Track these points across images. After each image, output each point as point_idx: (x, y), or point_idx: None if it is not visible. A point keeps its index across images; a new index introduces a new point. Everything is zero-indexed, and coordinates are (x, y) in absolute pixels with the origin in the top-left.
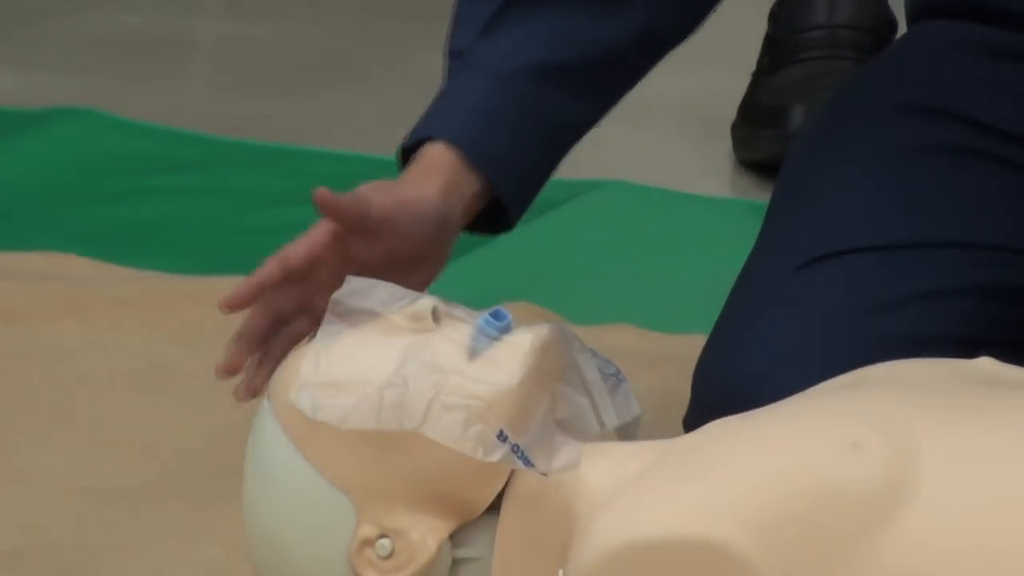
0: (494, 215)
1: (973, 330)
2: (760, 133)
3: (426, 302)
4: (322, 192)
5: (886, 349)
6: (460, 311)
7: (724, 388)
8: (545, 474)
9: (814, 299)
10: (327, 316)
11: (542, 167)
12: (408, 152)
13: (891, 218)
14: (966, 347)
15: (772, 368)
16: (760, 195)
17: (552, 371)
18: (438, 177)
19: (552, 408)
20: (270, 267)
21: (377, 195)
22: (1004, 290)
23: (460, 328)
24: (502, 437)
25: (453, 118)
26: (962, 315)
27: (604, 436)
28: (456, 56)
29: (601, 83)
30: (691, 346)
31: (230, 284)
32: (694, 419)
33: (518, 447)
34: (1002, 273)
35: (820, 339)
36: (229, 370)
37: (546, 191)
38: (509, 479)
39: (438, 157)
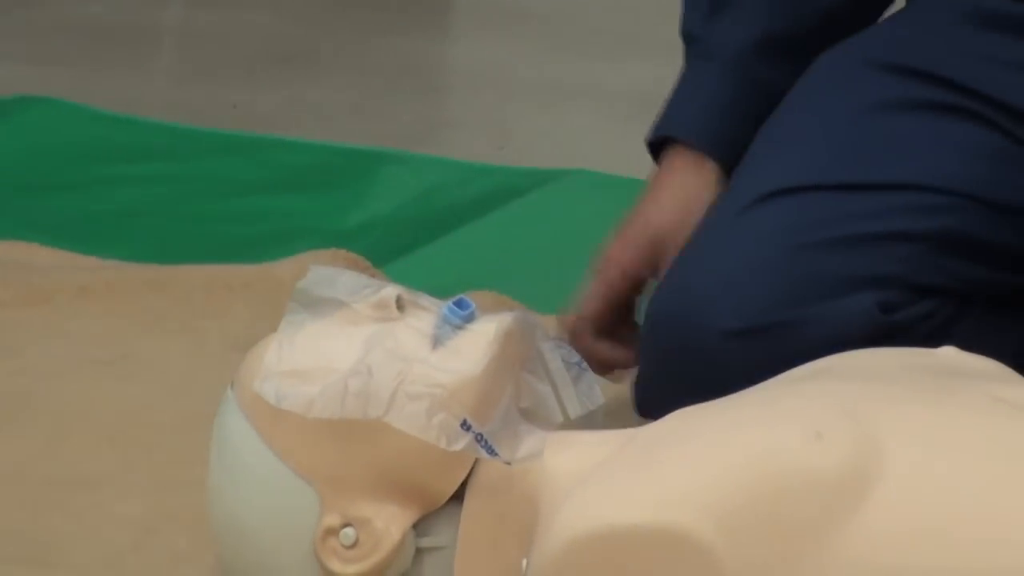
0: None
1: (922, 276)
2: None
3: (390, 291)
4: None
5: (830, 285)
6: (424, 300)
7: (671, 317)
8: (509, 463)
9: (763, 231)
10: (290, 305)
11: None
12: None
13: (851, 158)
14: (913, 291)
15: (716, 296)
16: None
17: (516, 360)
18: (698, 179)
19: (516, 397)
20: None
21: (678, 233)
22: (961, 240)
23: (424, 317)
24: (466, 426)
25: (696, 116)
26: (912, 259)
27: (568, 425)
28: (690, 41)
29: (823, 48)
30: None
31: (194, 273)
32: (644, 351)
33: (482, 436)
34: (962, 222)
35: (765, 271)
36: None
37: (510, 179)
38: (473, 468)
39: (692, 162)
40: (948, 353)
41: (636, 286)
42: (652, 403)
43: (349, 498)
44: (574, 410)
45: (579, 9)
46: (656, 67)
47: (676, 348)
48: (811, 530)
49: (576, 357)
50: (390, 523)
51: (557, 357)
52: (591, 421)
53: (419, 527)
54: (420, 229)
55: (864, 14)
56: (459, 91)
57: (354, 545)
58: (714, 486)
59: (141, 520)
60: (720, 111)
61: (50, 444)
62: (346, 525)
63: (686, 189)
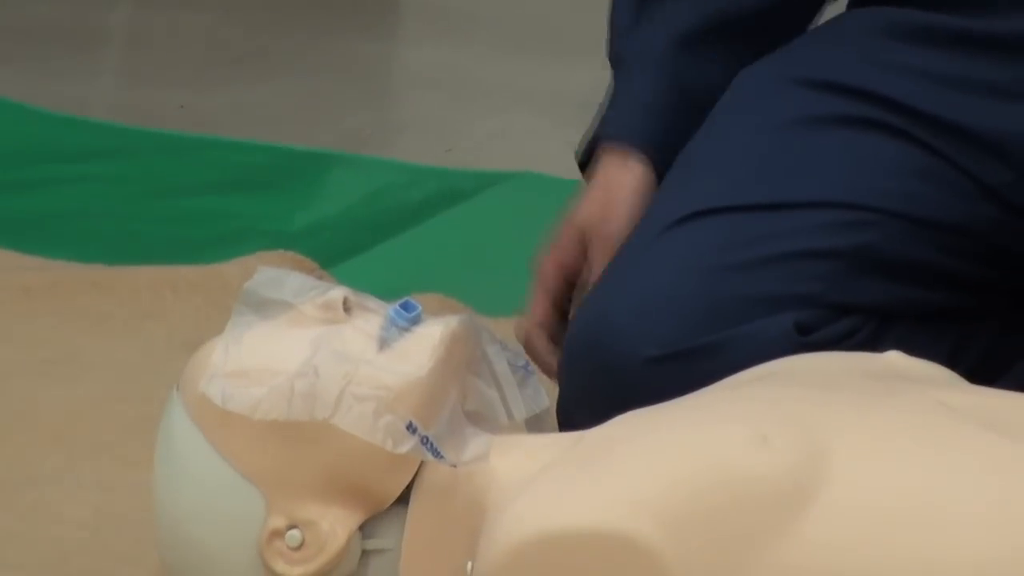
0: None
1: (841, 294)
2: None
3: (337, 292)
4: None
5: (747, 307)
6: (371, 302)
7: (591, 345)
8: (454, 465)
9: (680, 255)
10: (238, 307)
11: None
12: (589, 151)
13: (768, 178)
14: (833, 310)
15: (636, 323)
16: None
17: (461, 362)
18: (622, 172)
19: (461, 399)
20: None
21: (603, 225)
22: (879, 257)
23: (371, 319)
24: (411, 428)
25: (618, 117)
26: (829, 277)
27: (513, 428)
28: (615, 60)
29: (748, 42)
30: None
31: (140, 274)
32: (565, 377)
33: (427, 438)
34: (880, 239)
35: (683, 296)
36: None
37: (457, 182)
38: (419, 470)
39: (616, 158)
40: (893, 357)
41: (571, 284)
42: (575, 426)
43: (295, 500)
44: (520, 413)
45: (525, 13)
46: (601, 70)
47: (597, 375)
48: (757, 535)
49: (522, 360)
50: (336, 525)
51: (503, 360)
52: (537, 424)
53: (365, 529)
54: (367, 231)
55: (789, 14)
56: (406, 94)
57: (300, 547)
58: (660, 490)
59: (87, 521)
60: (643, 109)
61: None
62: (292, 527)
63: (608, 182)
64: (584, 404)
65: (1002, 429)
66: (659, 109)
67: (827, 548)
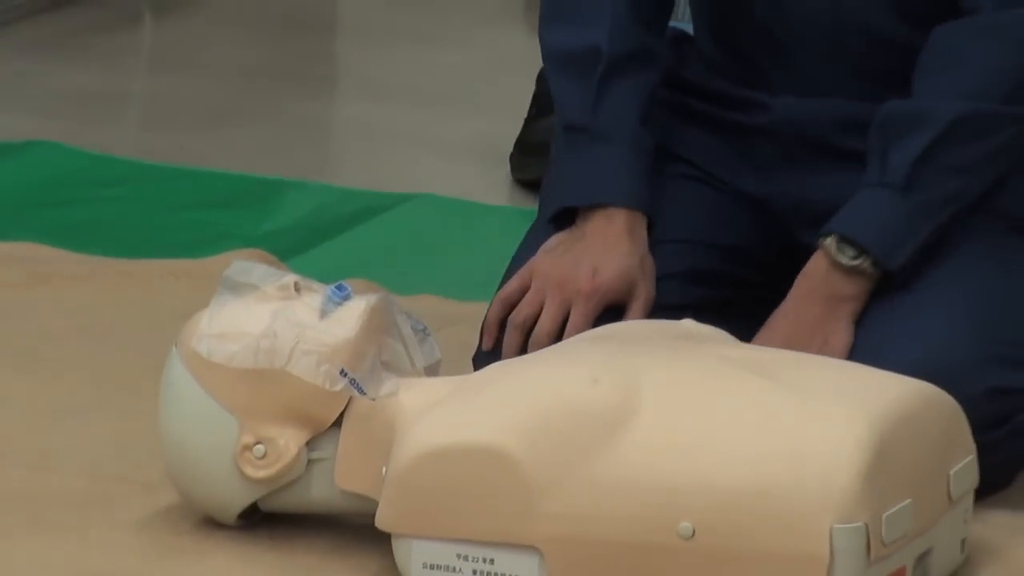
0: None
1: (679, 301)
2: (530, 160)
3: (290, 278)
4: None
5: None
6: (315, 284)
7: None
8: (373, 399)
9: None
10: (219, 288)
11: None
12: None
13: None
14: (675, 312)
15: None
16: (529, 205)
17: (379, 326)
18: (638, 236)
19: (379, 353)
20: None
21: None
22: (700, 274)
23: (314, 297)
24: (343, 373)
25: (620, 185)
26: (672, 291)
27: (415, 373)
28: (577, 130)
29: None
30: (478, 310)
31: (151, 265)
32: (483, 338)
33: (355, 380)
34: (699, 262)
35: None
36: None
37: (378, 200)
38: (348, 402)
39: (627, 220)
40: (687, 323)
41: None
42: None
43: (260, 423)
44: (420, 363)
45: (428, 81)
46: (482, 122)
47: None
48: (589, 448)
49: (422, 325)
50: (289, 441)
51: (408, 325)
52: (432, 370)
53: (310, 444)
54: (313, 235)
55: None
56: (342, 138)
57: (263, 457)
58: (520, 416)
59: (112, 438)
60: (638, 179)
61: (49, 385)
62: (258, 443)
63: (642, 243)
64: (491, 356)
65: (763, 373)
66: (646, 175)
67: (638, 454)
